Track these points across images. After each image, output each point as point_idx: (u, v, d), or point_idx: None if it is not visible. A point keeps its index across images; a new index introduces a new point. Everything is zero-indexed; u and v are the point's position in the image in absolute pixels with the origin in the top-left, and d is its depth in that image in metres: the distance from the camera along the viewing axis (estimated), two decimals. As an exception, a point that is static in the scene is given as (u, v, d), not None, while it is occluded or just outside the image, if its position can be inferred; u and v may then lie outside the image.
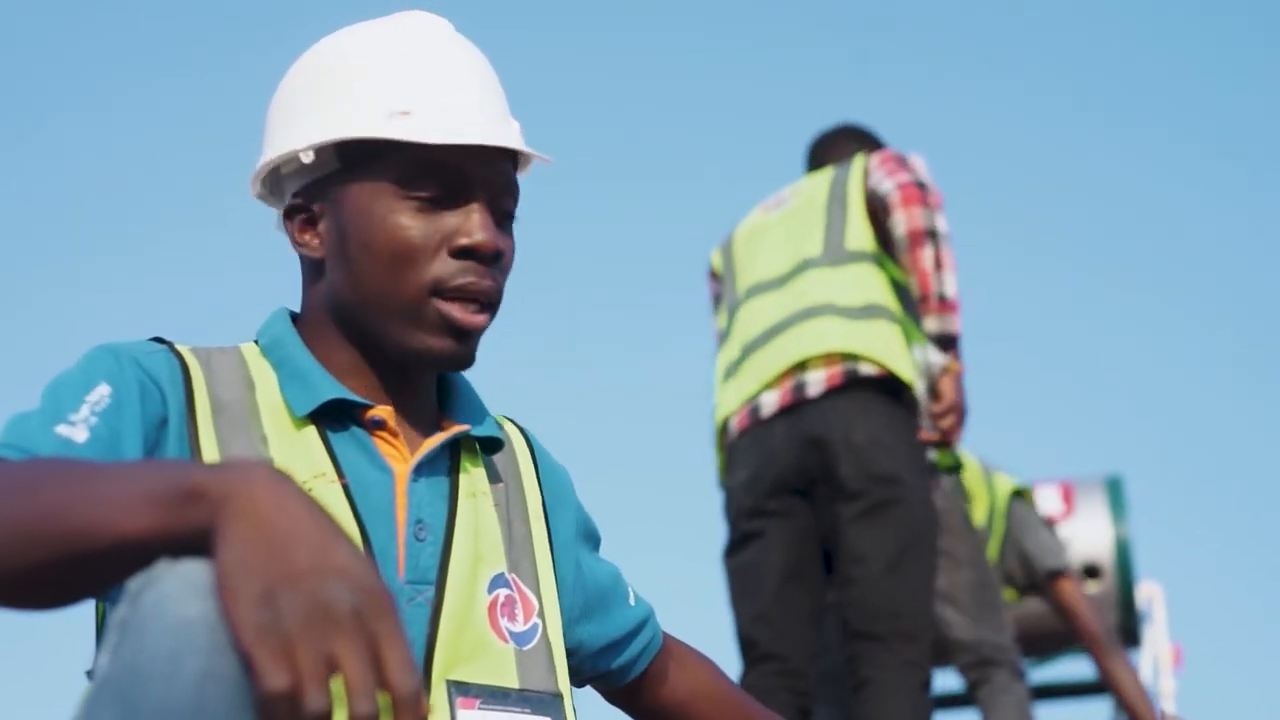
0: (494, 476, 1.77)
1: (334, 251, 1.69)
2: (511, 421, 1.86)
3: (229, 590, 1.07)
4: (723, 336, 4.03)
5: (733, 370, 3.90)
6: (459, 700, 1.59)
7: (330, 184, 1.69)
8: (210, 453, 1.59)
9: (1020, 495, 5.13)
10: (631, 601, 1.91)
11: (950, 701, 6.00)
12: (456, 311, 1.66)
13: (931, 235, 3.75)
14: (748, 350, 3.86)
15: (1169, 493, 10.40)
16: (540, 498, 1.81)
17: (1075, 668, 6.22)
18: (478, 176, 1.67)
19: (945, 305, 3.74)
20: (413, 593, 1.61)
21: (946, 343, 3.76)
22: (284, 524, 1.10)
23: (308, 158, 1.68)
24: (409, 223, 1.65)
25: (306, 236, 1.72)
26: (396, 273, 1.65)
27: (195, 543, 1.13)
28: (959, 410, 3.76)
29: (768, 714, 1.99)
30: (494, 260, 1.67)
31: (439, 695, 1.59)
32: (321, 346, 1.71)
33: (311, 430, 1.65)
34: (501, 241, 1.68)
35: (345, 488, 1.62)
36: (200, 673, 1.07)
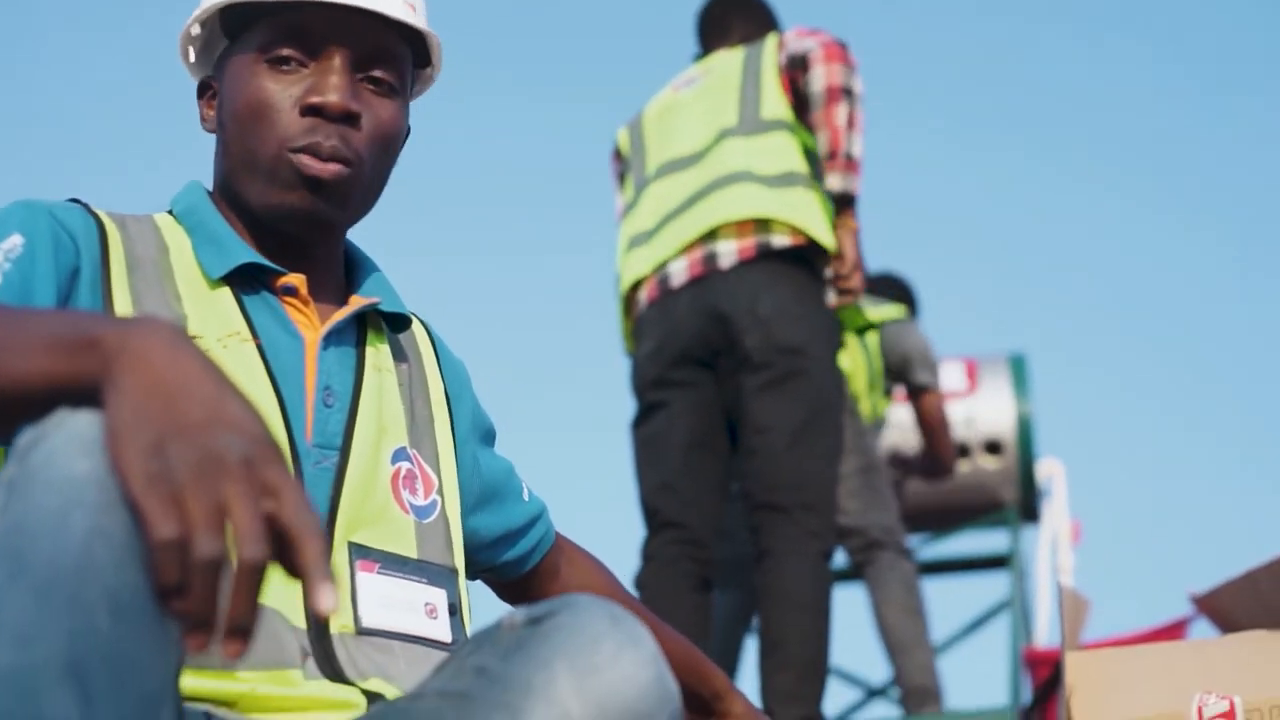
0: (398, 356, 1.79)
1: (218, 122, 1.77)
2: (414, 315, 1.88)
3: (119, 440, 1.08)
4: (627, 210, 4.01)
5: (645, 239, 3.88)
6: (359, 563, 1.61)
7: (222, 59, 1.78)
8: (123, 306, 1.60)
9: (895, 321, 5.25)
10: (525, 497, 1.95)
11: (838, 577, 6.07)
12: (306, 160, 1.68)
13: (848, 93, 3.77)
14: (664, 220, 3.84)
15: (1072, 370, 10.52)
16: (442, 385, 1.84)
17: (969, 542, 6.29)
18: (338, 39, 1.71)
19: (851, 164, 3.76)
20: (319, 456, 1.63)
21: (846, 201, 3.77)
22: (177, 378, 1.11)
23: (195, 30, 1.78)
24: (267, 84, 1.70)
25: (210, 113, 1.80)
26: (254, 132, 1.70)
27: (89, 392, 1.13)
28: (860, 267, 3.79)
29: (655, 620, 2.00)
30: (344, 120, 1.69)
31: (340, 557, 1.60)
32: (228, 217, 1.75)
33: (225, 292, 1.67)
34: (356, 103, 1.70)
35: (259, 348, 1.64)
36: (88, 530, 1.07)
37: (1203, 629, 5.00)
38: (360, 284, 1.80)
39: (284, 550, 1.07)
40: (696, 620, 3.66)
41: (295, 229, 1.72)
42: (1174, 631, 5.01)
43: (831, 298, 3.80)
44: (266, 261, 1.69)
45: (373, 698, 1.54)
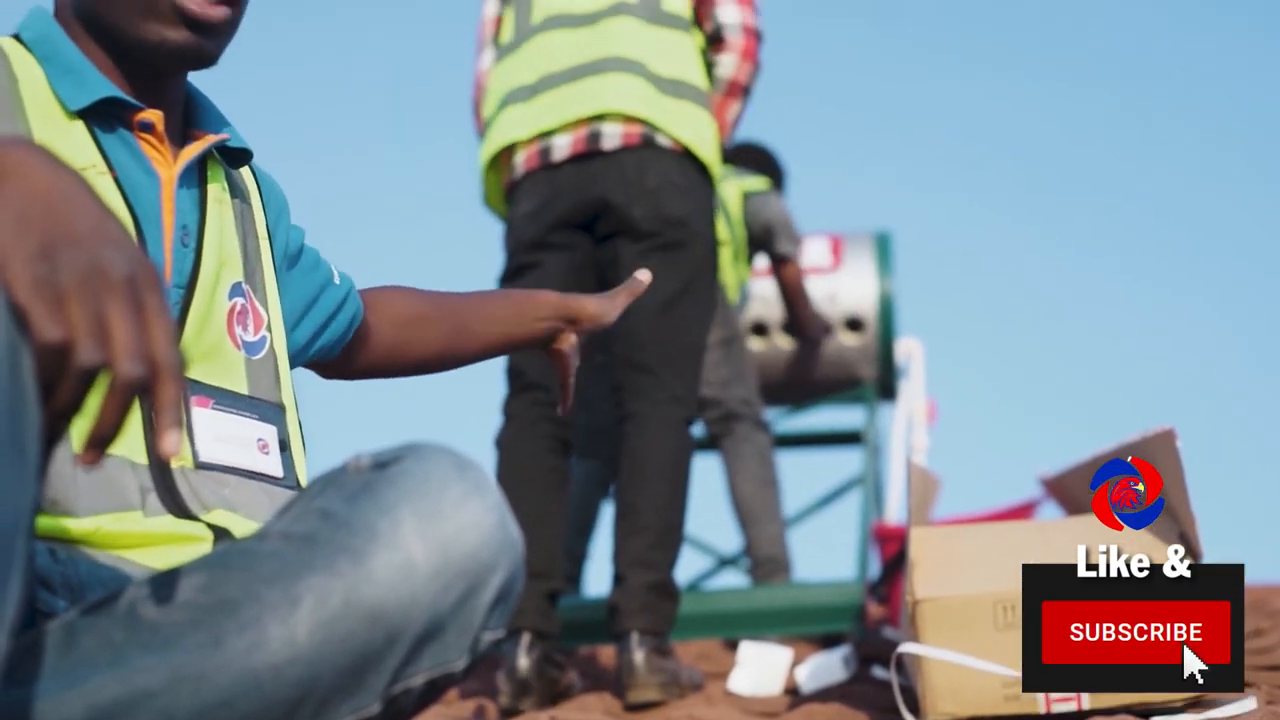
0: (234, 190, 1.79)
1: None
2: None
3: (2, 244, 1.07)
4: (505, 53, 3.95)
5: (524, 96, 3.84)
6: (194, 399, 1.62)
7: None
8: None
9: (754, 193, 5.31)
10: (336, 280, 1.97)
11: (695, 447, 6.12)
12: (191, 6, 1.66)
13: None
14: (546, 82, 3.80)
15: (937, 250, 10.61)
16: (264, 218, 1.84)
17: (826, 417, 6.35)
18: None
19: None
20: (176, 296, 1.63)
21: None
22: (61, 191, 1.10)
23: None
24: None
25: None
26: None
27: None
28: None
29: (466, 298, 2.06)
30: None
31: None
32: (84, 47, 1.70)
33: (79, 126, 1.64)
34: None
35: (116, 180, 1.62)
36: None
37: (1052, 512, 5.11)
38: (200, 119, 1.78)
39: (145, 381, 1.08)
40: (554, 482, 3.68)
41: (168, 65, 1.70)
42: (1023, 512, 5.11)
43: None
44: (127, 97, 1.67)
45: (219, 533, 1.56)
